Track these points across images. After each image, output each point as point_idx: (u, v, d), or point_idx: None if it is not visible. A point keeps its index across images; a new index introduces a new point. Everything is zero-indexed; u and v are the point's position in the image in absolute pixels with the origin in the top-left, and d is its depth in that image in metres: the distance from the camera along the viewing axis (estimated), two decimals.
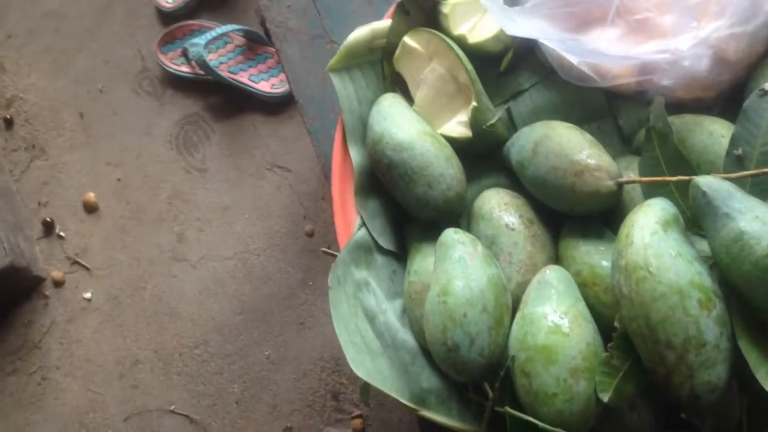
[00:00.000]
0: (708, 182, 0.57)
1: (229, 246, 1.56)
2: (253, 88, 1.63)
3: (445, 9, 0.80)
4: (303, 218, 1.55)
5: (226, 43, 1.67)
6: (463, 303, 0.63)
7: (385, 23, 0.82)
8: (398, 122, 0.75)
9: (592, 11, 0.69)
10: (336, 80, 0.81)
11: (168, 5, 1.74)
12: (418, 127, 0.75)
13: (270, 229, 1.55)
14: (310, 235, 1.53)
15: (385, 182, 0.76)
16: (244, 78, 1.64)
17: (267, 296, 1.51)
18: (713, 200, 0.56)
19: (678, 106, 0.74)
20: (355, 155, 0.79)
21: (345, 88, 0.81)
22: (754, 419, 0.60)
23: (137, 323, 1.55)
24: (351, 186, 0.79)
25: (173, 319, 1.53)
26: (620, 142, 0.78)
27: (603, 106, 0.78)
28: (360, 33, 0.81)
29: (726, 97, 0.74)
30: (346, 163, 0.80)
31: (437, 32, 0.79)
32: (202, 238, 1.58)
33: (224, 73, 1.62)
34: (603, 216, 0.71)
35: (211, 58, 1.65)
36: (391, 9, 0.82)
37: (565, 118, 0.77)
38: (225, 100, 1.67)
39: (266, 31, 0.97)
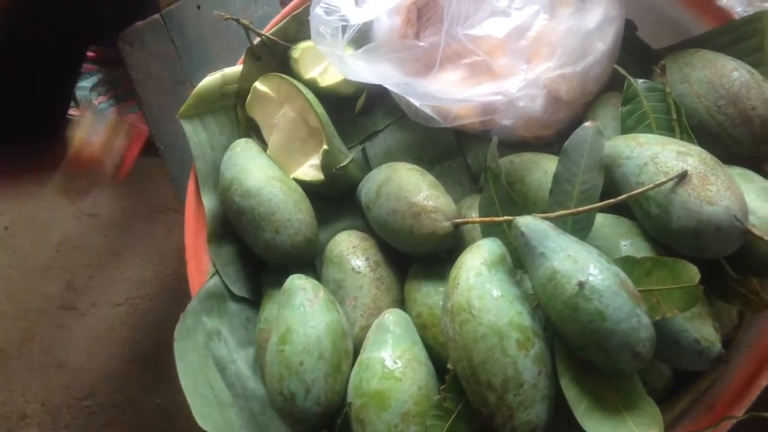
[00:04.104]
0: (526, 222, 0.58)
1: (119, 292, 1.53)
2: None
3: (296, 54, 0.80)
4: None
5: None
6: (300, 351, 0.62)
7: (236, 69, 0.82)
8: (248, 168, 0.75)
9: (419, 58, 0.71)
10: (188, 127, 0.80)
11: None
12: (267, 173, 0.75)
13: (162, 272, 1.53)
14: None
15: (237, 229, 0.76)
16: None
17: (158, 342, 1.47)
18: (531, 240, 0.57)
19: (522, 144, 0.75)
20: (208, 202, 0.79)
21: (197, 135, 0.81)
22: None
23: (24, 376, 1.50)
24: (205, 233, 0.78)
25: (61, 371, 1.49)
26: (470, 181, 0.79)
27: (453, 146, 0.79)
28: (211, 79, 0.81)
29: (566, 134, 0.75)
30: (200, 210, 0.79)
31: (287, 77, 0.79)
32: (92, 285, 1.54)
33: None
34: (449, 256, 0.72)
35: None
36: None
37: (419, 158, 0.78)
38: None
39: (129, 77, 0.96)
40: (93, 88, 1.59)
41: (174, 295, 1.50)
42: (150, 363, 1.47)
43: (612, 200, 0.58)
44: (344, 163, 0.76)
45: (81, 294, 1.54)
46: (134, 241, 1.56)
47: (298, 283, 0.67)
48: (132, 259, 1.55)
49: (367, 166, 0.81)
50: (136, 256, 1.55)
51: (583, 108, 0.75)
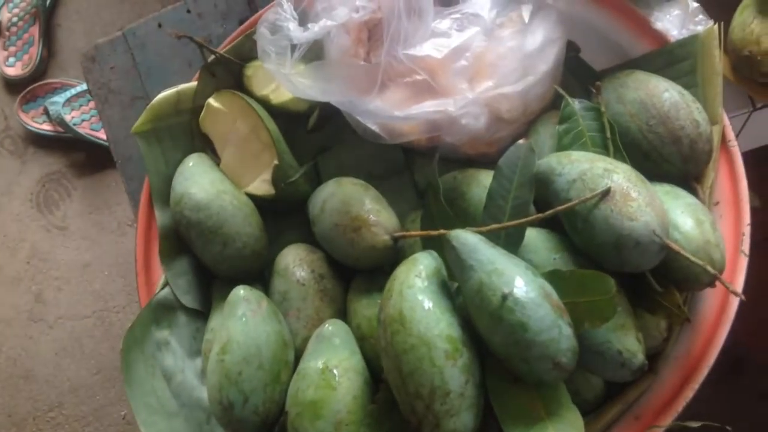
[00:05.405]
0: (457, 236, 0.59)
1: (87, 304, 1.54)
2: None
3: (249, 71, 0.82)
4: None
5: (89, 100, 1.66)
6: (239, 361, 0.64)
7: (192, 85, 0.83)
8: (198, 182, 0.76)
9: (364, 76, 0.72)
10: (141, 142, 0.81)
11: (12, 74, 1.71)
12: (218, 187, 0.76)
13: (130, 285, 1.54)
14: None
15: (187, 242, 0.77)
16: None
17: None
18: (461, 253, 0.59)
19: (467, 161, 0.77)
20: (160, 216, 0.80)
21: (151, 150, 0.82)
22: None
23: None
24: (157, 246, 0.80)
25: (28, 382, 1.49)
26: (417, 196, 0.81)
27: (401, 162, 0.81)
28: (166, 95, 0.82)
29: None
30: (152, 223, 0.81)
31: (240, 93, 0.81)
32: (60, 298, 1.55)
33: (85, 131, 1.61)
34: (392, 270, 0.73)
35: (74, 116, 1.63)
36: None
37: (369, 173, 0.80)
38: (87, 157, 1.66)
39: (90, 92, 0.97)
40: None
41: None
42: (116, 375, 1.48)
43: (540, 215, 0.60)
44: (293, 178, 0.78)
45: (49, 306, 1.55)
46: (103, 254, 1.57)
47: (242, 294, 0.69)
48: (100, 272, 1.56)
49: (318, 181, 0.83)
50: (105, 268, 1.56)
51: (526, 126, 0.77)
